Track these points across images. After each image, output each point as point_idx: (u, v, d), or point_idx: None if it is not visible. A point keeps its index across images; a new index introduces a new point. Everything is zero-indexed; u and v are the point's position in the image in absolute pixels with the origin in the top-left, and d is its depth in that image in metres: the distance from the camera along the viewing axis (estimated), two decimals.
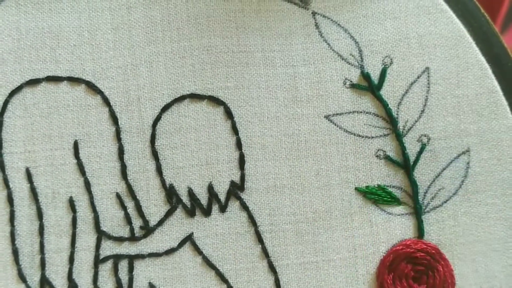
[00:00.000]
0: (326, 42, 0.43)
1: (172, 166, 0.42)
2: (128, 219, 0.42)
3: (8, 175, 0.42)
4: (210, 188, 0.42)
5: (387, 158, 0.43)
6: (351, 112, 0.43)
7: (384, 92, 0.43)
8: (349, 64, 0.43)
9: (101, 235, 0.42)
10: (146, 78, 0.42)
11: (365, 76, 0.43)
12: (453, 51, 0.43)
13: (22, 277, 0.42)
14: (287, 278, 0.43)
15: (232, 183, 0.42)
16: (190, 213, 0.42)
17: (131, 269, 0.42)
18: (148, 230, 0.42)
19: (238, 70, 0.42)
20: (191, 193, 0.42)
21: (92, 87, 0.42)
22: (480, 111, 0.43)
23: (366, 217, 0.43)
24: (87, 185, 0.42)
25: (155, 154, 0.42)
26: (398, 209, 0.43)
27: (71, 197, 0.42)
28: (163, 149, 0.42)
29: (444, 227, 0.43)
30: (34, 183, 0.42)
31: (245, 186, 0.42)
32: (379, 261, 0.43)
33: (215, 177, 0.42)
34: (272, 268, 0.43)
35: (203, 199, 0.42)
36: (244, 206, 0.42)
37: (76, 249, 0.42)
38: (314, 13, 0.43)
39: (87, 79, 0.42)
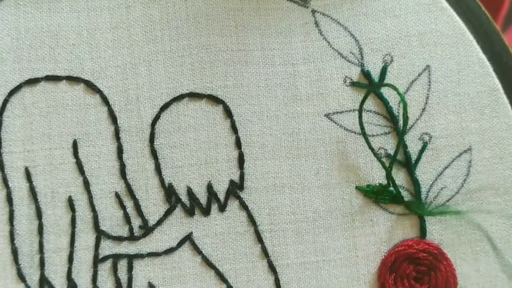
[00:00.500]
0: (326, 40, 0.43)
1: (171, 165, 0.42)
2: (127, 219, 0.42)
3: (7, 175, 0.42)
4: (209, 187, 0.42)
5: (388, 156, 0.43)
6: (351, 111, 0.43)
7: (385, 90, 0.43)
8: (349, 62, 0.43)
9: (100, 234, 0.42)
10: (145, 77, 0.42)
11: (366, 74, 0.43)
12: (454, 49, 0.43)
13: (21, 277, 0.41)
14: (287, 278, 0.42)
15: (232, 182, 0.42)
16: (189, 212, 0.42)
17: (130, 268, 0.42)
18: (147, 229, 0.42)
19: (237, 68, 0.42)
20: (190, 193, 0.42)
21: (91, 86, 0.42)
22: (482, 109, 0.43)
23: (367, 216, 0.43)
24: (86, 184, 0.42)
25: (154, 153, 0.42)
26: (400, 208, 0.43)
27: (70, 197, 0.42)
28: (162, 148, 0.42)
29: (446, 226, 0.43)
30: (33, 183, 0.42)
31: (245, 185, 0.42)
32: (381, 261, 0.43)
33: (215, 176, 0.42)
34: (272, 268, 0.42)
35: (202, 198, 0.42)
36: (244, 206, 0.42)
37: (75, 249, 0.42)
38: (313, 11, 0.43)
39: (86, 78, 0.42)
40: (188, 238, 0.42)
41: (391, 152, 0.43)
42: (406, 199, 0.43)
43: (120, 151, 0.42)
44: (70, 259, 0.42)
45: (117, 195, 0.42)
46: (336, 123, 0.43)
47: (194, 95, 0.42)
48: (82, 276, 0.42)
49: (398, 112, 0.43)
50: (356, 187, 0.43)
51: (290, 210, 0.42)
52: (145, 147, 0.42)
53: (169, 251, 0.42)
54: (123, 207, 0.42)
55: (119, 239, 0.42)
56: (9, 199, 0.42)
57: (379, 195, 0.43)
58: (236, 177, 0.42)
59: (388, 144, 0.43)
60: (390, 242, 0.43)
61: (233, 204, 0.42)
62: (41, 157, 0.42)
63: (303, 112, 0.43)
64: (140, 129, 0.42)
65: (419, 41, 0.43)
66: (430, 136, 0.43)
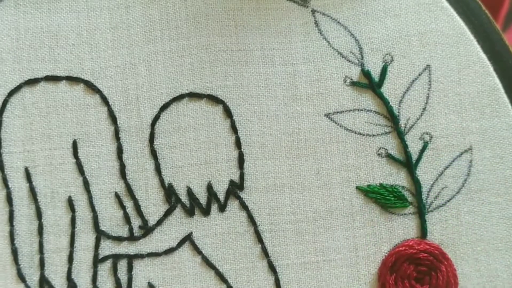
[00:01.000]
0: (326, 40, 0.43)
1: (171, 165, 0.42)
2: (127, 219, 0.42)
3: (7, 175, 0.42)
4: (209, 188, 0.42)
5: (389, 156, 0.43)
6: (351, 110, 0.43)
7: (385, 89, 0.43)
8: (349, 61, 0.43)
9: (100, 234, 0.42)
10: (145, 77, 0.42)
11: (366, 73, 0.43)
12: (454, 49, 0.43)
13: (21, 277, 0.42)
14: (287, 278, 0.42)
15: (232, 182, 0.42)
16: (189, 212, 0.42)
17: (130, 268, 0.42)
18: (147, 229, 0.42)
19: (237, 68, 0.42)
20: (190, 193, 0.42)
21: (90, 87, 0.42)
22: (482, 109, 0.43)
23: (368, 216, 0.43)
24: (86, 184, 0.42)
25: (154, 153, 0.42)
26: (401, 209, 0.43)
27: (70, 197, 0.42)
28: (162, 148, 0.42)
29: (447, 226, 0.43)
30: (33, 183, 0.42)
31: (245, 185, 0.42)
32: (381, 261, 0.43)
33: (214, 176, 0.42)
34: (272, 268, 0.42)
35: (202, 198, 0.42)
36: (244, 206, 0.42)
37: (75, 249, 0.42)
38: (313, 11, 0.43)
39: (85, 79, 0.42)
40: (188, 238, 0.42)
41: (392, 152, 0.43)
42: (407, 199, 0.43)
43: (120, 151, 0.42)
44: (70, 259, 0.42)
45: (117, 195, 0.42)
46: (336, 123, 0.43)
47: (194, 95, 0.42)
48: (82, 276, 0.42)
49: (398, 112, 0.43)
50: (357, 187, 0.43)
51: (290, 210, 0.42)
52: (145, 147, 0.42)
53: (169, 251, 0.42)
54: (123, 207, 0.42)
55: (119, 239, 0.42)
56: (9, 199, 0.42)
57: (380, 195, 0.42)
58: (236, 177, 0.42)
59: (388, 144, 0.43)
60: (390, 242, 0.43)
61: (233, 204, 0.42)
62: (41, 157, 0.42)
63: (303, 112, 0.43)
64: (140, 129, 0.42)
65: (419, 40, 0.43)
66: (431, 135, 0.43)
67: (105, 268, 0.42)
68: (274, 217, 0.42)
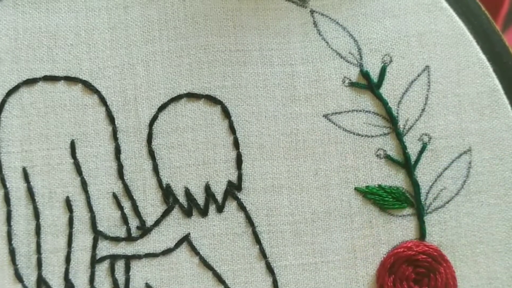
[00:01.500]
0: (324, 40, 0.43)
1: (169, 165, 0.42)
2: (124, 219, 0.42)
3: (5, 175, 0.42)
4: (207, 188, 0.42)
5: (388, 157, 0.43)
6: (350, 111, 0.43)
7: (384, 90, 0.43)
8: (348, 62, 0.43)
9: (97, 235, 0.42)
10: (143, 78, 0.42)
11: (364, 74, 0.43)
12: (454, 50, 0.43)
13: (18, 277, 0.41)
14: (285, 280, 0.42)
15: (230, 183, 0.42)
16: (187, 213, 0.42)
17: (127, 269, 0.42)
18: (144, 230, 0.42)
19: (235, 69, 0.42)
20: (188, 193, 0.42)
21: (89, 87, 0.42)
22: (481, 110, 0.43)
23: (366, 217, 0.43)
24: (84, 185, 0.42)
25: (151, 154, 0.42)
26: (399, 210, 0.43)
27: (67, 197, 0.42)
28: (160, 149, 0.42)
29: (446, 228, 0.43)
30: (31, 183, 0.42)
31: (243, 186, 0.42)
32: (380, 263, 0.42)
33: (212, 177, 0.42)
34: (270, 269, 0.42)
35: (200, 199, 0.42)
36: (242, 206, 0.42)
37: (72, 249, 0.42)
38: (312, 11, 0.43)
39: (84, 79, 0.42)
40: (185, 239, 0.42)
41: (391, 153, 0.43)
42: (406, 200, 0.43)
43: (118, 151, 0.42)
44: (68, 260, 0.42)
45: (114, 196, 0.42)
46: (334, 124, 0.42)
47: (192, 96, 0.42)
48: (80, 277, 0.42)
49: (397, 113, 0.43)
50: (355, 188, 0.43)
51: (289, 211, 0.42)
52: (143, 147, 0.42)
53: (167, 252, 0.42)
54: (120, 207, 0.42)
55: (116, 239, 0.42)
56: (7, 199, 0.42)
57: (378, 197, 0.42)
58: (234, 178, 0.42)
59: (387, 145, 0.43)
60: (389, 243, 0.43)
61: (231, 205, 0.42)
62: (38, 157, 0.42)
63: (301, 112, 0.42)
64: (138, 129, 0.42)
65: (418, 41, 0.43)
66: (430, 137, 0.43)
67: (102, 269, 0.42)
68: (272, 218, 0.42)
